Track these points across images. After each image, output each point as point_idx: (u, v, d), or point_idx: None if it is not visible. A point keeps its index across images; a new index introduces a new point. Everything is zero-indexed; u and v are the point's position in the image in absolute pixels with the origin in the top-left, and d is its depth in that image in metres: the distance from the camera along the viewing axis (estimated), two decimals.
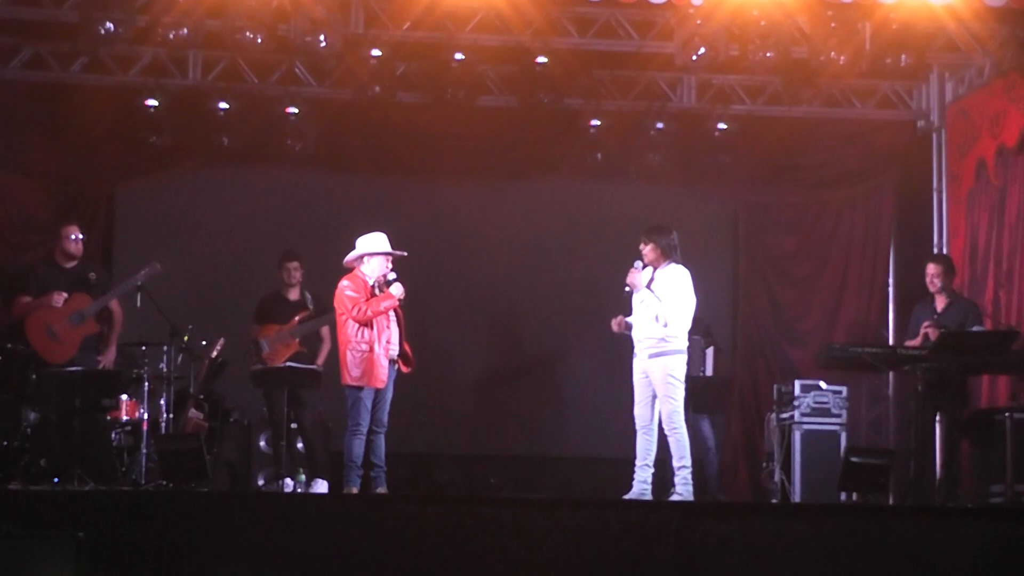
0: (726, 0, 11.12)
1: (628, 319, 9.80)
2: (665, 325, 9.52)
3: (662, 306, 9.53)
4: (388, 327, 9.88)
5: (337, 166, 12.97)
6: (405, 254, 10.06)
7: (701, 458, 10.77)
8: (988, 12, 11.08)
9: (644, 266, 9.73)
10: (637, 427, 9.65)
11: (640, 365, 9.66)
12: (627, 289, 9.72)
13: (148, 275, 10.62)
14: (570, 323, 12.97)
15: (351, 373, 9.80)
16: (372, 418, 9.89)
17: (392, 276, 9.95)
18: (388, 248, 10.00)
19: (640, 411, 9.65)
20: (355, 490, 9.83)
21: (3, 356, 10.57)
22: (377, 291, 9.90)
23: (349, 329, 9.83)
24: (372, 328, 9.80)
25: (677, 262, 9.69)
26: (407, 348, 10.02)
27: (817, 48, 11.52)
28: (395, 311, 9.96)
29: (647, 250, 9.71)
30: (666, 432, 9.54)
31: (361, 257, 9.98)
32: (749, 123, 12.75)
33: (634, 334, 9.73)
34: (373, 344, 9.78)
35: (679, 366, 9.57)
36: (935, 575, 7.85)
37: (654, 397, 9.58)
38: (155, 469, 10.33)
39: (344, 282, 9.94)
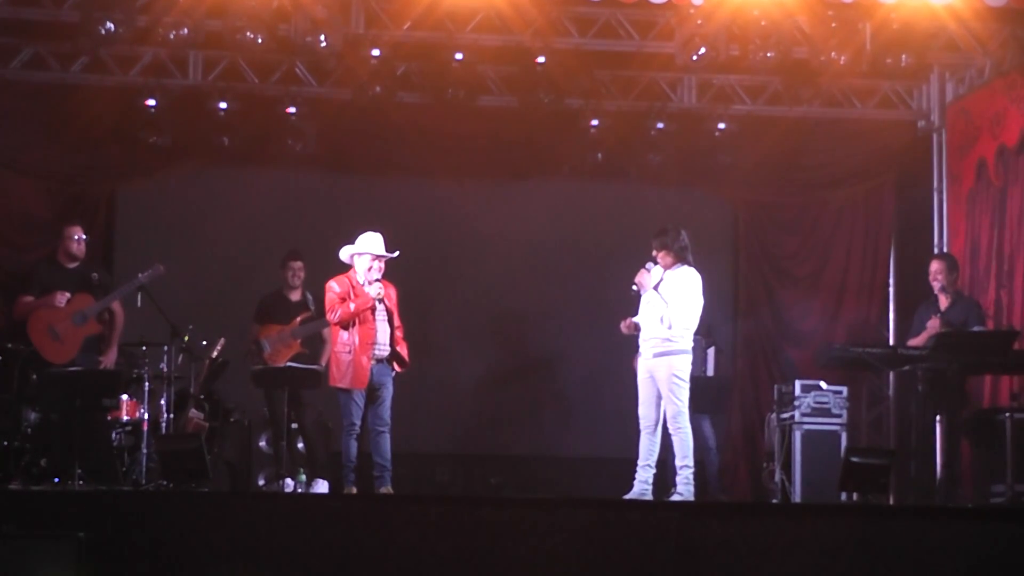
0: (726, 0, 11.13)
1: (635, 319, 9.81)
2: (670, 327, 9.52)
3: (668, 308, 9.53)
4: (374, 327, 9.88)
5: (337, 166, 12.98)
6: (392, 255, 10.04)
7: (702, 458, 10.77)
8: (988, 12, 11.08)
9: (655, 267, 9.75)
10: (641, 427, 9.64)
11: (645, 364, 9.66)
12: (634, 289, 9.73)
13: (151, 276, 10.63)
14: (570, 323, 12.97)
15: (336, 375, 9.89)
16: (372, 417, 9.91)
17: (374, 276, 9.95)
18: (378, 249, 10.00)
19: (644, 411, 9.64)
20: (353, 490, 9.85)
21: (4, 356, 10.57)
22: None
23: (337, 331, 9.89)
24: (354, 331, 9.83)
25: (689, 264, 9.69)
26: (402, 349, 10.03)
27: (817, 48, 11.52)
28: (388, 311, 9.96)
29: (661, 255, 9.69)
30: (671, 432, 9.53)
31: (351, 256, 10.03)
32: (749, 123, 12.75)
33: (640, 334, 9.74)
34: (354, 347, 9.81)
35: (684, 366, 9.57)
36: (935, 575, 7.85)
37: (658, 397, 9.58)
38: (155, 469, 10.33)
39: (330, 283, 9.99)
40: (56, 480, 9.96)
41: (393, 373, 10.05)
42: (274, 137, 12.32)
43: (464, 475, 12.74)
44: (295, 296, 11.48)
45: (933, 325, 10.61)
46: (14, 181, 12.26)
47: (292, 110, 12.18)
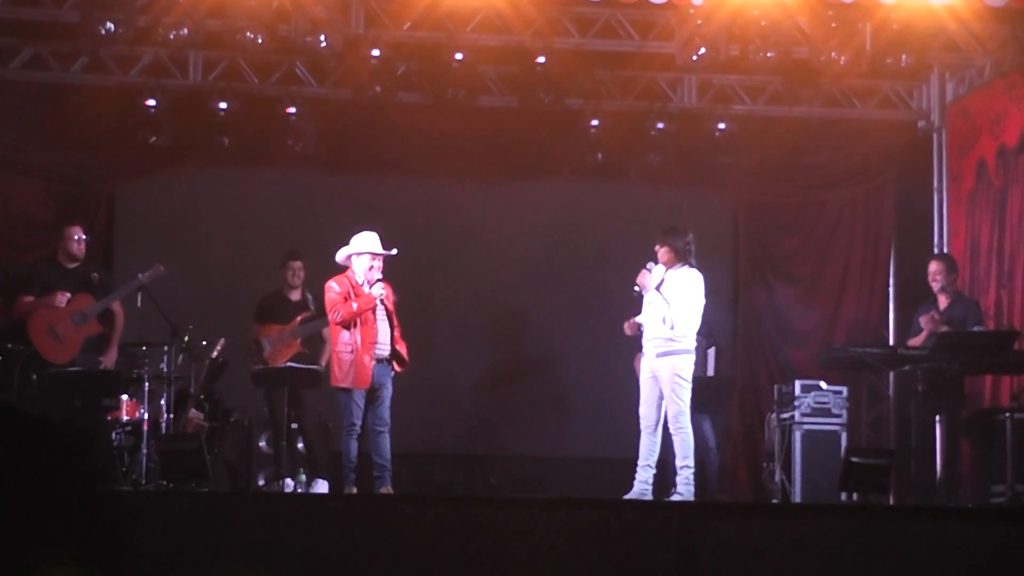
0: (727, 0, 11.13)
1: (638, 319, 9.81)
2: (672, 327, 9.53)
3: (669, 309, 9.53)
4: (375, 327, 9.89)
5: (337, 166, 12.97)
6: (391, 253, 10.05)
7: (702, 458, 10.77)
8: (988, 12, 11.09)
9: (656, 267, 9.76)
10: (642, 427, 9.64)
11: (648, 364, 9.67)
12: (636, 289, 9.73)
13: (152, 276, 10.63)
14: (570, 323, 12.96)
15: (337, 375, 9.88)
16: (372, 417, 9.91)
17: (375, 276, 9.95)
18: (376, 248, 10.01)
19: (646, 411, 9.64)
20: (353, 490, 9.85)
21: (4, 356, 10.57)
22: (367, 291, 9.95)
23: (337, 331, 9.88)
24: (356, 330, 9.83)
25: (691, 265, 9.70)
26: (401, 348, 10.04)
27: (817, 48, 11.52)
28: (387, 311, 9.96)
29: (661, 252, 9.72)
30: (672, 431, 9.54)
31: (349, 256, 10.02)
32: (749, 123, 12.75)
33: (643, 334, 9.74)
34: (356, 347, 9.82)
35: (687, 366, 9.58)
36: (935, 575, 7.85)
37: (660, 397, 9.58)
38: (155, 469, 10.33)
39: (330, 283, 9.98)
40: None
41: (393, 373, 10.05)
42: (274, 137, 12.31)
43: (464, 475, 12.73)
44: (295, 296, 11.47)
45: (930, 319, 10.59)
46: (14, 181, 12.26)
47: (292, 110, 12.17)
